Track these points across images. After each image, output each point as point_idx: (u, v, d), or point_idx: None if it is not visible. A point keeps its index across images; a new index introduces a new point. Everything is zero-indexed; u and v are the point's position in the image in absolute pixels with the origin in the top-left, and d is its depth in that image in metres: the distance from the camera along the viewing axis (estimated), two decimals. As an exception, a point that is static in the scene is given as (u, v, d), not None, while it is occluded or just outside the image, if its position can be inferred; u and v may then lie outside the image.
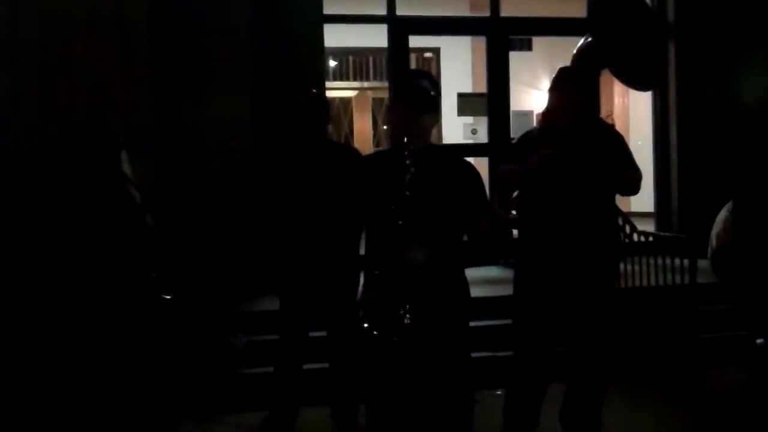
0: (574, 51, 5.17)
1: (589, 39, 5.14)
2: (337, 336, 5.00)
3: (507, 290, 4.93)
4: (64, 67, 6.26)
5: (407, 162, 3.33)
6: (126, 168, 4.36)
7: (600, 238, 4.47)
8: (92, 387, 4.15)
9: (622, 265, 6.08)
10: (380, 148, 4.81)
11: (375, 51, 11.90)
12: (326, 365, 5.09)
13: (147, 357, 4.28)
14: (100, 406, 4.15)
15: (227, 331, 6.00)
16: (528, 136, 4.73)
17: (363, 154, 5.11)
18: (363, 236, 3.72)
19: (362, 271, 3.64)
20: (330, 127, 5.29)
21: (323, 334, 5.08)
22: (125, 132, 4.43)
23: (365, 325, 3.34)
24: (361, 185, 3.66)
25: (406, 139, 3.39)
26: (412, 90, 3.50)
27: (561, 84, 4.51)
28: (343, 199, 4.64)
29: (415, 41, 8.54)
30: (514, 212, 4.69)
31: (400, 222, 3.32)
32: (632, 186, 4.54)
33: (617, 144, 4.56)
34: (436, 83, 3.58)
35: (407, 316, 3.27)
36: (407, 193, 3.31)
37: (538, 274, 4.52)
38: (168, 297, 4.31)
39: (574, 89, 4.48)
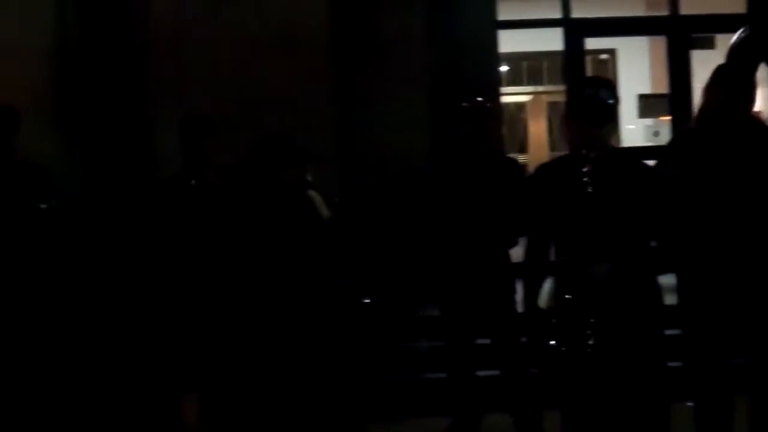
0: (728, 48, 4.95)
1: (743, 35, 4.90)
2: (500, 344, 4.99)
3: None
4: (249, 85, 6.47)
5: (584, 179, 3.30)
6: (310, 178, 4.53)
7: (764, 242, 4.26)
8: (288, 389, 4.32)
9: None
10: (559, 153, 4.78)
11: (549, 55, 11.75)
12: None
13: (344, 360, 4.42)
14: (294, 408, 4.31)
15: (411, 335, 6.08)
16: (683, 135, 4.56)
17: (523, 162, 5.09)
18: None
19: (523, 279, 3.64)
20: (504, 133, 5.29)
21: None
22: (309, 144, 4.58)
23: (552, 342, 3.32)
24: (524, 197, 3.62)
25: (584, 152, 3.34)
26: (589, 103, 3.41)
27: (711, 81, 4.36)
28: (500, 209, 4.73)
29: (591, 43, 8.40)
30: None
31: (581, 237, 3.28)
32: None
33: None
34: (614, 91, 3.49)
35: (592, 336, 3.24)
36: (586, 210, 3.28)
37: (701, 281, 4.35)
38: (367, 301, 4.44)
39: (722, 87, 4.29)
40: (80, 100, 6.23)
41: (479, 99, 5.14)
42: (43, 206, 4.52)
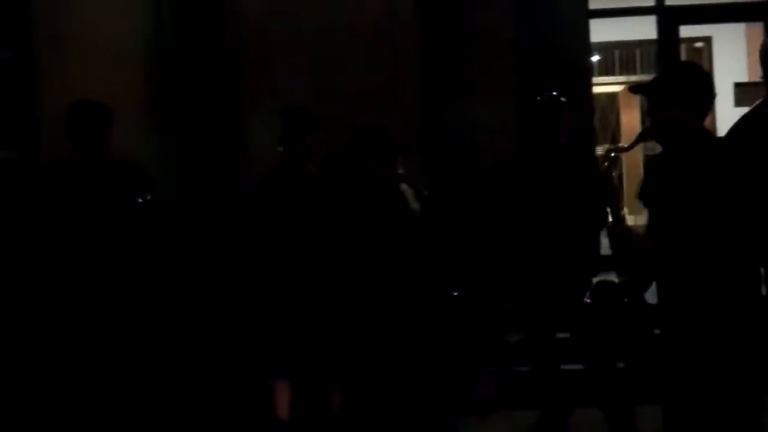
0: None
1: None
2: (580, 339, 4.95)
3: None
4: (338, 80, 6.53)
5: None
6: (402, 171, 4.59)
7: None
8: (379, 379, 4.38)
9: None
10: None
11: (642, 43, 11.54)
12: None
13: (434, 352, 4.47)
14: (385, 397, 4.37)
15: (500, 328, 6.08)
16: (745, 120, 4.43)
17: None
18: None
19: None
20: (595, 123, 5.27)
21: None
22: (397, 137, 4.63)
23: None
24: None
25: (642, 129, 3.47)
26: (648, 83, 3.50)
27: None
28: (574, 202, 4.76)
29: (685, 31, 8.23)
30: None
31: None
32: None
33: None
34: (682, 73, 3.46)
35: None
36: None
37: None
38: (456, 293, 4.47)
39: None
40: (176, 99, 6.40)
41: (554, 93, 5.13)
42: (140, 201, 4.65)
